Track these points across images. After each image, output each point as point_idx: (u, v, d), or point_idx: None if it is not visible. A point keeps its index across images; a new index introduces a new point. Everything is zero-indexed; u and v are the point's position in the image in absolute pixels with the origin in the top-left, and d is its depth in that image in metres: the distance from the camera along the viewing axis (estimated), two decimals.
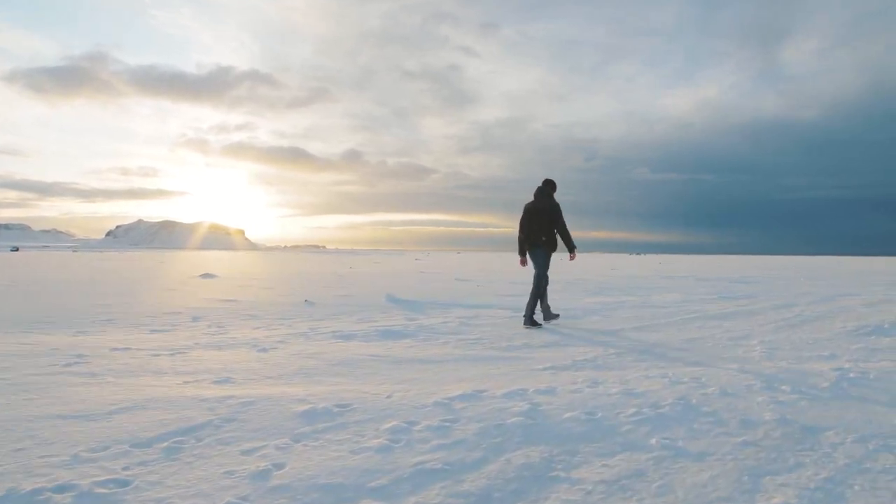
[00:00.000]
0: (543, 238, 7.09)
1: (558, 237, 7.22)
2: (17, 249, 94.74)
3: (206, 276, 19.37)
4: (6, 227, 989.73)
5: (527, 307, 7.22)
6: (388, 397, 3.73)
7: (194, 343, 6.02)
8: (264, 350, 5.64)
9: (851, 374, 4.34)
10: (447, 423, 3.16)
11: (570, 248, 7.24)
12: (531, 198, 7.32)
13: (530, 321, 7.13)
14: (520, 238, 7.30)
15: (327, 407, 3.46)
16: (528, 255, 7.32)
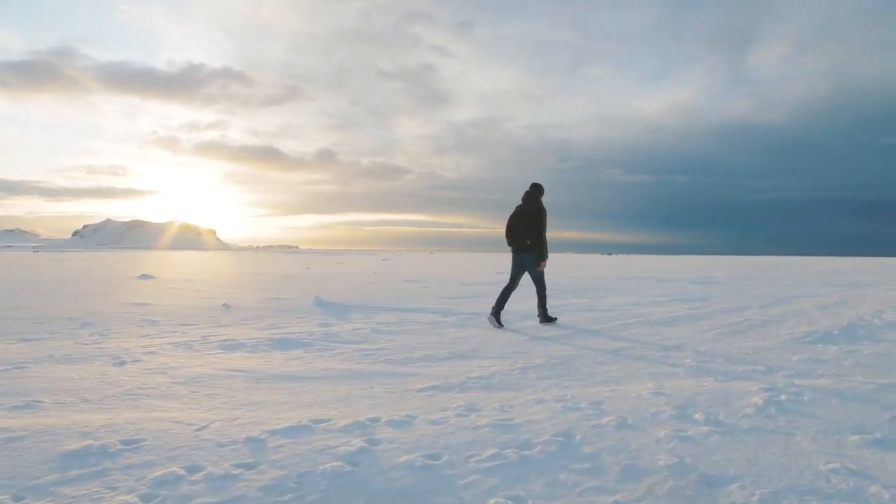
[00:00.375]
0: (528, 242, 7.12)
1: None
2: None
3: (143, 276, 18.25)
4: None
5: (539, 307, 7.37)
6: (199, 429, 2.93)
7: (48, 355, 5.17)
8: (122, 364, 4.85)
9: (783, 397, 3.63)
10: (237, 471, 2.38)
11: (542, 255, 7.19)
12: (519, 201, 7.38)
13: (546, 318, 7.34)
14: (507, 241, 7.39)
15: (107, 444, 2.71)
16: (518, 259, 7.34)
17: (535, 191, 7.30)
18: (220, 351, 5.54)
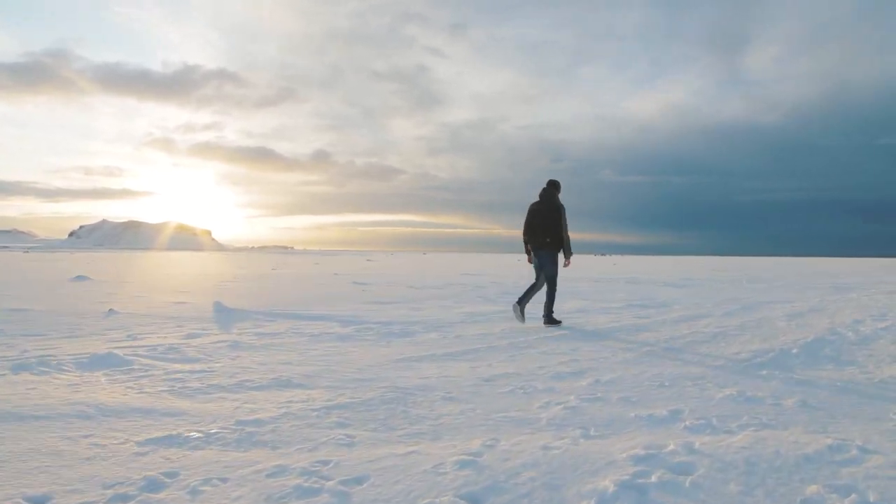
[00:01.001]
0: (547, 239, 6.98)
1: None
2: None
3: (78, 278, 16.81)
4: None
5: (545, 307, 7.10)
6: None
7: None
8: None
9: (654, 477, 2.25)
10: None
11: (567, 252, 7.07)
12: (537, 197, 7.25)
13: (549, 320, 7.07)
14: (523, 239, 7.25)
15: None
16: (535, 257, 7.18)
17: (553, 187, 7.12)
18: (6, 372, 4.24)
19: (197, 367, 4.67)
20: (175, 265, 33.40)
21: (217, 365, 4.77)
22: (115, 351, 5.09)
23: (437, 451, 2.64)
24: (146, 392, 3.78)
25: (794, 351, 5.37)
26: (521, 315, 7.06)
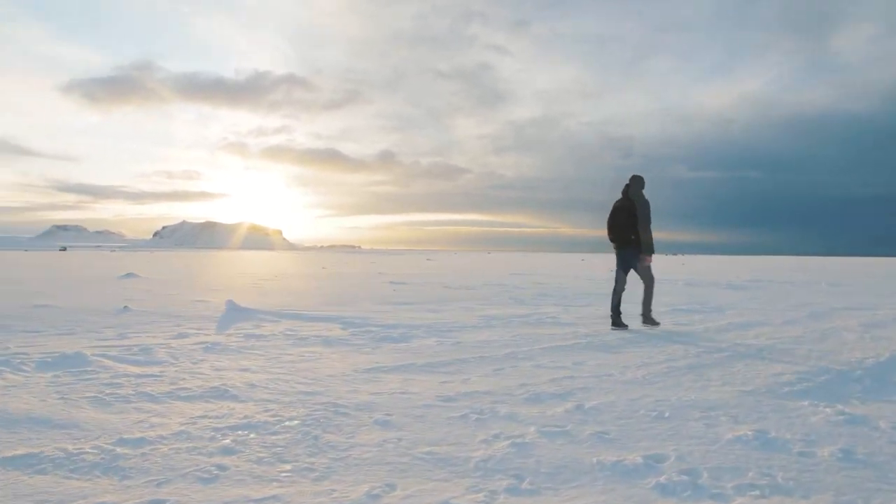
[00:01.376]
0: (632, 237, 6.75)
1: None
2: (64, 249, 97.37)
3: (127, 276, 17.20)
4: (64, 228, 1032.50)
5: (643, 306, 6.92)
6: None
7: None
8: None
9: None
10: None
11: (648, 249, 6.72)
12: (619, 195, 6.99)
13: (648, 319, 6.89)
14: (609, 237, 7.01)
15: None
16: (619, 255, 6.92)
17: (636, 183, 6.86)
18: None
19: (151, 370, 4.35)
20: (232, 263, 34.20)
21: (173, 369, 4.43)
22: (86, 351, 4.90)
23: (302, 499, 1.98)
24: (67, 398, 3.47)
25: (858, 374, 4.31)
26: (622, 324, 6.72)
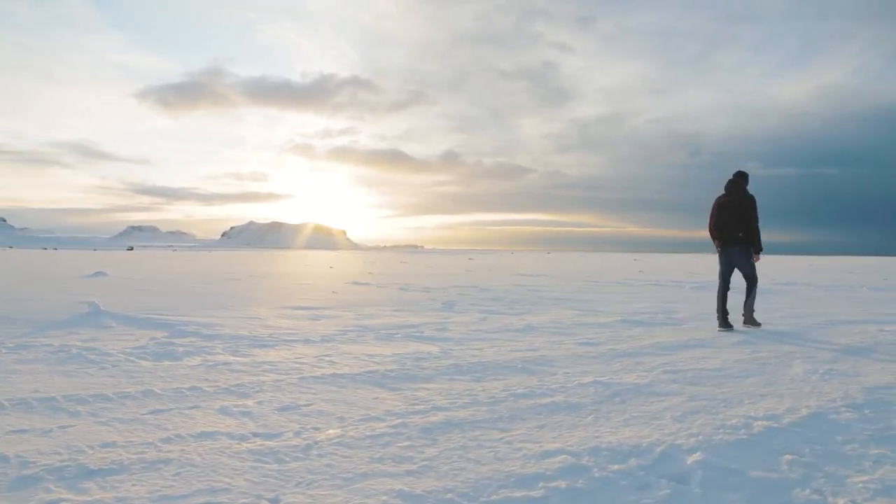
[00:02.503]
0: (740, 234, 6.56)
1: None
2: (132, 249, 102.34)
3: (96, 275, 16.48)
4: (139, 228, 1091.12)
5: (746, 307, 6.70)
6: None
7: None
8: None
9: None
10: None
11: (757, 248, 6.58)
12: (721, 191, 6.83)
13: (750, 320, 6.67)
14: (711, 235, 6.84)
15: None
16: (724, 254, 6.73)
17: (741, 179, 6.73)
18: None
19: None
20: (253, 262, 33.85)
21: None
22: None
23: None
24: None
25: (787, 421, 2.72)
26: (727, 325, 6.53)
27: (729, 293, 6.70)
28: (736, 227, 6.57)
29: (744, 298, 6.72)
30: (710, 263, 40.63)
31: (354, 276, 18.48)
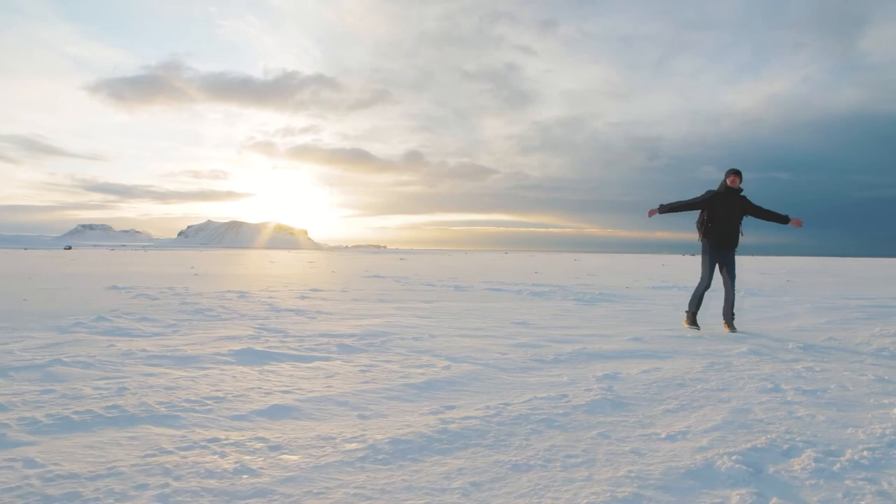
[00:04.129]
0: (739, 237, 6.61)
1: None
2: (69, 248, 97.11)
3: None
4: (90, 227, 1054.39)
5: (730, 312, 6.54)
6: None
7: None
8: None
9: None
10: None
11: (783, 218, 6.56)
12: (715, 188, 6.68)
13: (731, 325, 6.48)
14: (678, 206, 6.62)
15: None
16: (717, 254, 6.61)
17: (737, 177, 6.60)
18: None
19: None
20: (207, 261, 32.72)
21: None
22: None
23: None
24: None
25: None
26: (695, 324, 6.57)
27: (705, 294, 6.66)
28: (737, 230, 6.55)
29: (723, 304, 6.58)
30: (646, 265, 41.17)
31: (268, 275, 17.87)
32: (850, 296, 11.75)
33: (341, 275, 19.52)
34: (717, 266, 6.61)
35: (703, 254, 6.66)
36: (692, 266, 35.85)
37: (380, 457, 2.38)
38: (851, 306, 9.47)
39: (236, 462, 2.30)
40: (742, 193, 6.56)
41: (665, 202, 6.64)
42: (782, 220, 6.55)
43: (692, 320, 6.58)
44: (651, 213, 6.70)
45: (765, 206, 6.49)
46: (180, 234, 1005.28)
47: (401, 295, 10.95)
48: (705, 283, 6.56)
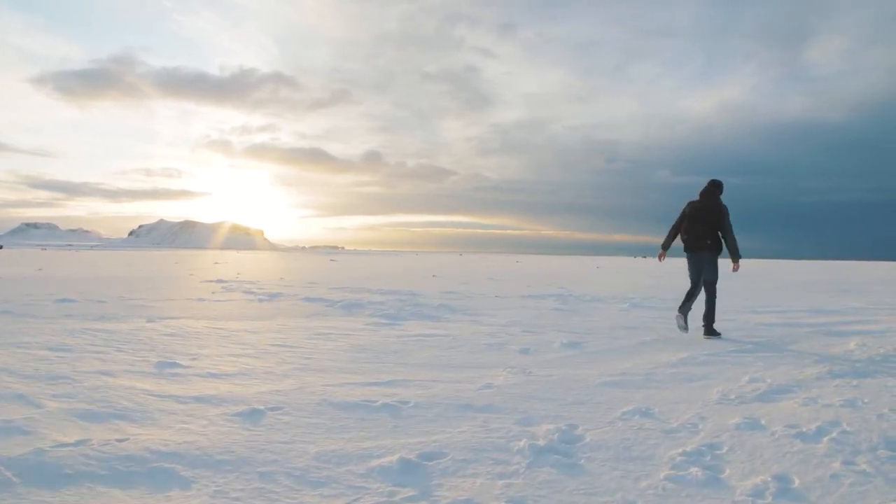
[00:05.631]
0: (708, 241, 6.63)
1: (723, 242, 6.73)
2: (0, 247, 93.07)
3: None
4: (35, 226, 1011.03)
5: (704, 318, 6.66)
6: None
7: None
8: None
9: None
10: None
11: (735, 256, 6.72)
12: (696, 198, 6.86)
13: (710, 331, 6.62)
14: (669, 235, 6.93)
15: None
16: (693, 259, 6.75)
17: (715, 188, 6.79)
18: None
19: None
20: (149, 264, 31.69)
21: None
22: None
23: None
24: None
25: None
26: (685, 324, 6.61)
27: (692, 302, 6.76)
28: (705, 235, 6.64)
29: (703, 310, 6.65)
30: (576, 267, 41.91)
31: (180, 277, 17.40)
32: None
33: (185, 282, 18.91)
34: (700, 270, 6.70)
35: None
36: (635, 268, 36.61)
37: None
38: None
39: None
40: (724, 206, 6.65)
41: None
42: (733, 258, 6.72)
43: (682, 321, 6.61)
44: (661, 257, 7.24)
45: (732, 230, 6.57)
46: (131, 233, 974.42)
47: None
48: (691, 284, 6.78)
